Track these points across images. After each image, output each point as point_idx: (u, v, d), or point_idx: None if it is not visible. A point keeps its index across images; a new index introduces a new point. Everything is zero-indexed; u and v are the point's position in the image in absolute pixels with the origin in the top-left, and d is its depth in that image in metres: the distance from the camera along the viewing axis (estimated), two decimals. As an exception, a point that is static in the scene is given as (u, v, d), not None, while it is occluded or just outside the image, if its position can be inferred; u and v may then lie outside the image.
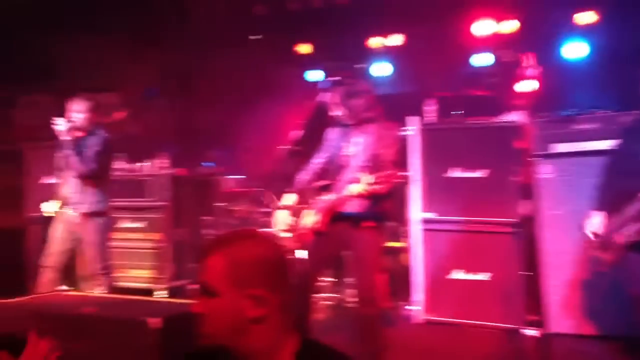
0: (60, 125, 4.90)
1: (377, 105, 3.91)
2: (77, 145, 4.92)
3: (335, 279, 5.61)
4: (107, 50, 7.05)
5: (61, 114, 6.88)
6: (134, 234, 6.20)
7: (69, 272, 5.99)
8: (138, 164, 6.36)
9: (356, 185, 3.56)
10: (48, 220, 6.22)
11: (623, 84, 4.85)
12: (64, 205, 4.98)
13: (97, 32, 6.79)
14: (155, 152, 6.33)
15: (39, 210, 6.16)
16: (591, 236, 3.34)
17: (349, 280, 5.46)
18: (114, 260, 6.21)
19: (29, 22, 6.67)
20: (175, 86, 7.47)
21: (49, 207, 5.13)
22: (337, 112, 3.91)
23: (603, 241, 3.27)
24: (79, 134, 4.98)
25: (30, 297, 4.37)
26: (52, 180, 6.17)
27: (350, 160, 3.79)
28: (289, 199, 3.96)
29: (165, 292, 5.98)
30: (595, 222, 3.32)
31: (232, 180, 6.79)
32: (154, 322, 3.39)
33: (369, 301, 3.66)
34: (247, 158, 7.21)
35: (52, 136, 5.04)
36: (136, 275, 6.14)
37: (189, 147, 7.04)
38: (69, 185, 5.01)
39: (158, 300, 5.23)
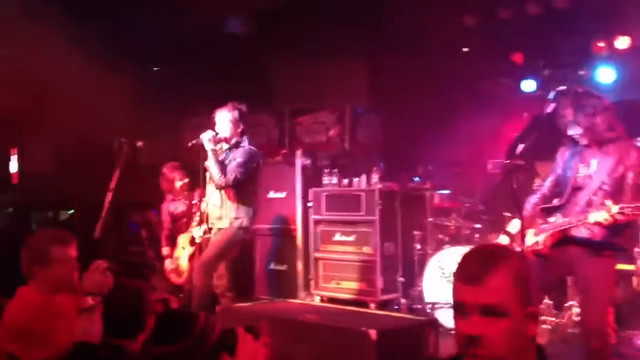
0: (204, 136, 4.69)
1: (619, 123, 3.54)
2: (221, 156, 4.74)
3: (553, 301, 5.24)
4: (319, 68, 7.40)
5: (281, 133, 7.34)
6: (345, 247, 6.38)
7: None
8: (353, 180, 6.53)
9: (597, 213, 3.28)
10: (276, 231, 6.63)
11: None
12: (209, 222, 4.85)
13: (308, 51, 7.14)
14: (366, 167, 6.49)
15: (267, 222, 6.59)
16: None
17: (569, 304, 5.08)
18: (326, 272, 6.49)
19: (246, 44, 7.21)
20: (384, 101, 7.60)
21: (197, 232, 5.04)
22: (571, 130, 3.57)
23: None
24: (224, 145, 4.82)
25: (258, 303, 4.74)
26: (278, 194, 6.59)
27: (587, 183, 3.50)
28: (515, 225, 3.75)
29: (375, 304, 6.06)
30: None
31: (441, 195, 6.71)
32: (373, 333, 3.47)
33: (598, 334, 3.42)
34: (458, 172, 7.08)
35: (276, 153, 5.26)
36: (347, 287, 6.32)
37: (398, 162, 7.11)
38: (212, 199, 4.83)
39: (373, 312, 5.32)
